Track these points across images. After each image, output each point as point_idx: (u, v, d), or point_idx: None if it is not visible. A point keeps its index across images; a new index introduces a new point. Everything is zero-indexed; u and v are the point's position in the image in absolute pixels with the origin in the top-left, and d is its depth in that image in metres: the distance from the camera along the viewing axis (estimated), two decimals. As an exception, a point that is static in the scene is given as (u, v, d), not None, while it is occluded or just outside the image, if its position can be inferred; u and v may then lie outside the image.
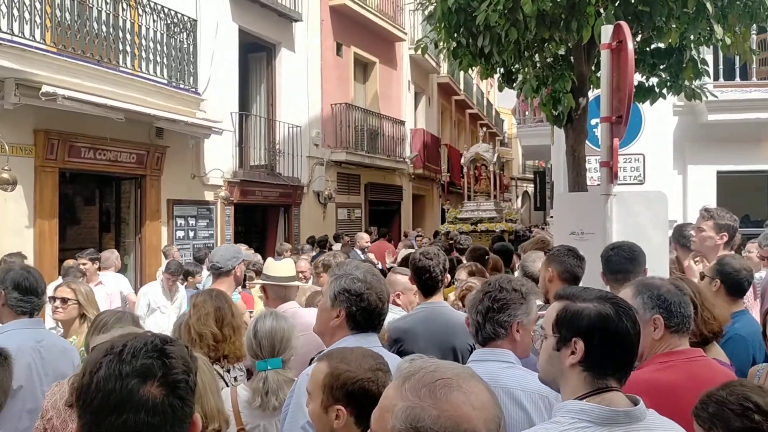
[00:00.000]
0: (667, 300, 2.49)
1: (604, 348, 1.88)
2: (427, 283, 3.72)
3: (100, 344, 1.35)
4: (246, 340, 3.05)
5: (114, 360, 1.26)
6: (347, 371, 2.00)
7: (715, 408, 1.92)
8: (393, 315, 4.06)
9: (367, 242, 11.09)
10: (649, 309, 2.48)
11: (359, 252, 10.69)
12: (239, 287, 7.35)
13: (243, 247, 9.70)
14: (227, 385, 3.14)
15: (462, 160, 16.34)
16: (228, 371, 3.27)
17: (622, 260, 3.45)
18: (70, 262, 7.51)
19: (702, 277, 4.18)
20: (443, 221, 16.79)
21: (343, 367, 2.02)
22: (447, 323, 3.53)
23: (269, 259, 4.46)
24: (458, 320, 3.49)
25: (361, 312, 2.56)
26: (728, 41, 5.65)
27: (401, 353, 3.34)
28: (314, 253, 10.74)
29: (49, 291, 5.65)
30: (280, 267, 4.15)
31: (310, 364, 2.93)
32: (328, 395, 2.01)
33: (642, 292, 2.54)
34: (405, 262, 5.50)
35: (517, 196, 41.46)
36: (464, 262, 5.88)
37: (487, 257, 5.86)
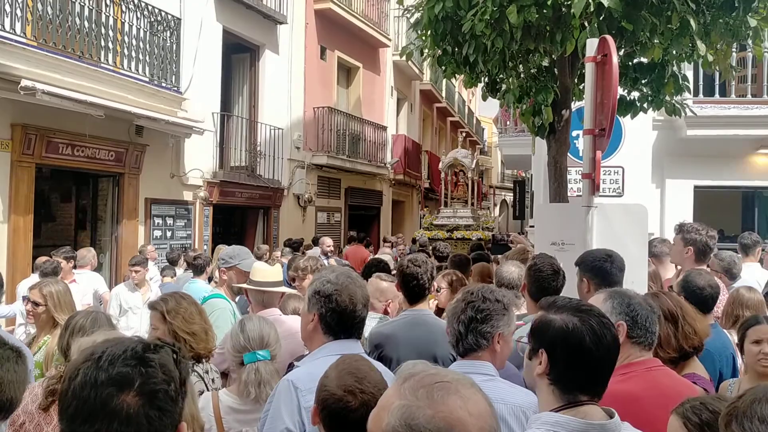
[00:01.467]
0: (635, 310, 2.51)
1: (567, 361, 1.90)
2: (414, 291, 3.69)
3: (84, 349, 1.31)
4: (232, 338, 3.02)
5: (91, 367, 1.23)
6: (324, 379, 2.01)
7: (710, 417, 1.94)
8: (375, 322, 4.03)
9: (329, 247, 10.98)
10: (615, 314, 2.49)
11: (322, 257, 10.60)
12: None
13: (222, 247, 9.71)
14: (207, 389, 3.09)
15: (440, 165, 16.14)
16: (207, 372, 3.23)
17: (617, 271, 3.42)
18: (42, 259, 7.40)
19: (669, 289, 4.24)
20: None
21: (327, 372, 2.04)
22: (429, 331, 3.50)
23: (256, 263, 4.34)
24: (441, 329, 3.46)
25: (332, 314, 2.52)
26: (710, 58, 5.73)
27: (381, 359, 3.32)
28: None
29: (24, 288, 5.57)
30: (261, 271, 4.06)
31: (288, 369, 2.91)
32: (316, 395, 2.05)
33: (613, 298, 2.57)
34: (371, 267, 5.43)
35: (495, 205, 41.67)
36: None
37: (468, 265, 5.85)
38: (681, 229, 4.81)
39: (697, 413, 1.99)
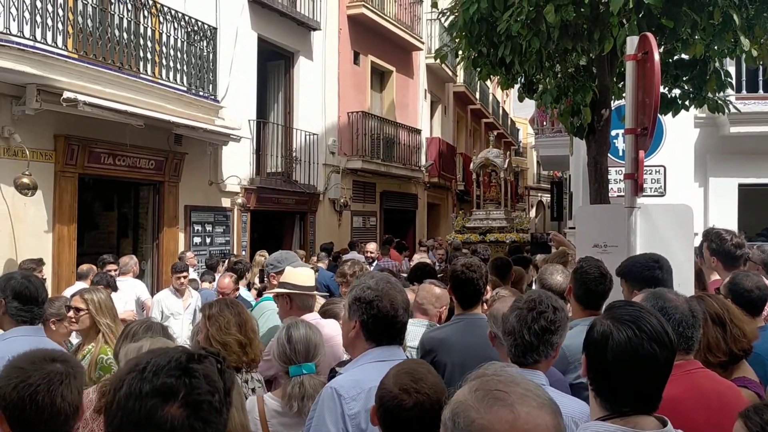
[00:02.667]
0: (667, 313, 2.42)
1: (598, 369, 1.87)
2: (469, 296, 3.64)
3: (129, 360, 1.32)
4: (278, 347, 3.02)
5: (136, 378, 1.23)
6: (385, 377, 2.02)
7: None
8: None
9: (371, 253, 10.71)
10: None
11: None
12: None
13: (259, 253, 9.80)
14: (245, 397, 3.11)
15: (471, 166, 15.69)
16: (246, 382, 3.24)
17: (668, 276, 3.33)
18: (84, 267, 7.54)
19: (716, 292, 4.11)
20: (457, 230, 16.49)
21: (388, 372, 2.04)
22: (483, 335, 3.35)
23: (289, 268, 4.30)
24: None
25: (373, 320, 2.51)
26: (755, 53, 5.58)
27: (434, 364, 3.27)
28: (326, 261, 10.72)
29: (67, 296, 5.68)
30: (302, 276, 4.07)
31: (330, 374, 2.91)
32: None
33: (648, 300, 2.51)
34: (417, 271, 5.41)
35: (532, 206, 41.33)
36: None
37: (510, 269, 5.74)
38: (706, 237, 4.62)
39: (759, 413, 1.94)
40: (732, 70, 8.16)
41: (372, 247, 11.05)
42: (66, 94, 7.81)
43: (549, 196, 30.78)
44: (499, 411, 1.23)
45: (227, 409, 1.31)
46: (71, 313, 3.99)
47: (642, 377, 1.83)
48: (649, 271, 3.33)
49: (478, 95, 26.96)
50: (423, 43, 20.05)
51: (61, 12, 8.17)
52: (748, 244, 5.52)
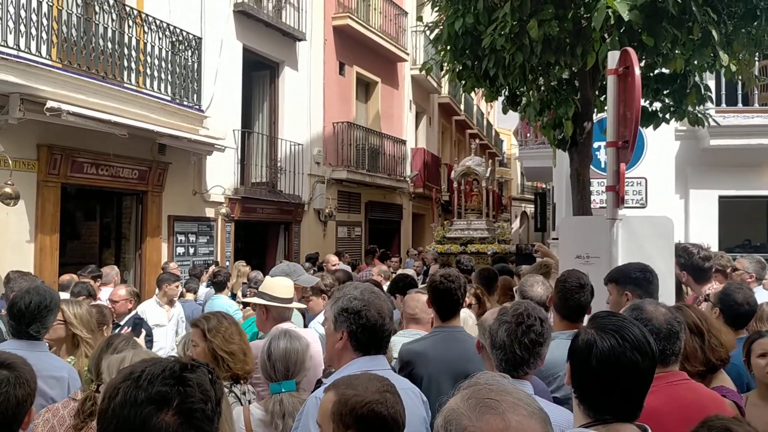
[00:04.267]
0: (647, 326, 2.44)
1: (581, 377, 1.91)
2: (447, 307, 3.63)
3: (123, 369, 1.34)
4: (260, 362, 3.03)
5: (131, 386, 1.26)
6: (355, 396, 1.96)
7: None
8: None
9: (334, 265, 10.22)
10: None
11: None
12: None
13: (242, 263, 9.76)
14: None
15: (452, 174, 15.23)
16: (244, 393, 3.24)
17: (657, 281, 3.42)
18: (65, 278, 7.46)
19: (705, 299, 4.17)
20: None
21: (350, 392, 1.97)
22: (463, 348, 3.41)
23: (268, 278, 4.36)
24: (474, 345, 3.45)
25: (362, 330, 2.53)
26: (733, 68, 5.69)
27: (411, 376, 3.29)
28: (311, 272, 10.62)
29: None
30: (281, 287, 4.08)
31: (316, 385, 2.92)
32: (338, 423, 1.95)
33: (633, 310, 2.56)
34: (398, 282, 5.41)
35: (516, 216, 41.54)
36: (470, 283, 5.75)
37: (496, 280, 5.74)
38: (675, 251, 4.64)
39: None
40: (711, 84, 8.28)
41: (334, 259, 10.72)
42: (49, 104, 7.76)
43: (533, 206, 30.94)
44: (490, 419, 1.25)
45: (218, 417, 1.34)
46: None
47: (624, 385, 1.87)
48: (641, 273, 3.44)
49: (462, 106, 27.08)
50: (408, 54, 20.15)
51: (45, 21, 8.14)
52: (728, 255, 5.60)
